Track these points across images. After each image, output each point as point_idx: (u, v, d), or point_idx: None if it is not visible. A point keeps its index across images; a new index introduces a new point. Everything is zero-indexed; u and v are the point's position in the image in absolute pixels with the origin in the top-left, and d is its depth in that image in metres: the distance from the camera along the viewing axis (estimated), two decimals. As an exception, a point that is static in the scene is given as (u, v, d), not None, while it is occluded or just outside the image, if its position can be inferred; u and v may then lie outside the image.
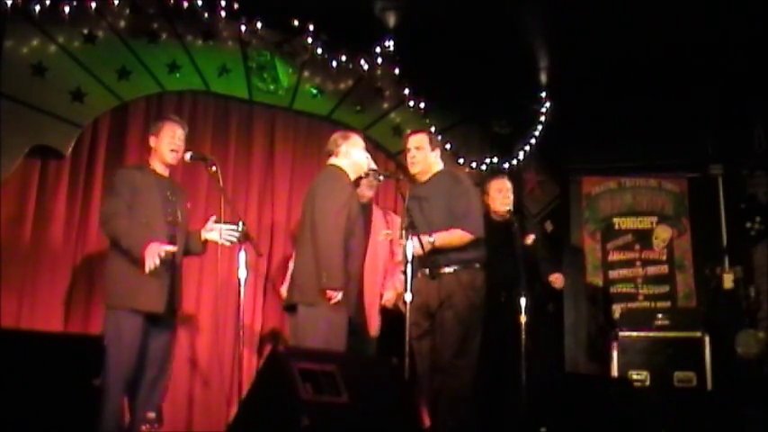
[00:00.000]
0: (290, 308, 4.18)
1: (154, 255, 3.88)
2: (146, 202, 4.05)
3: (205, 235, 4.25)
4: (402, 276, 4.04)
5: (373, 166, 4.48)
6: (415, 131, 4.61)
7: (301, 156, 5.55)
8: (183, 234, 4.21)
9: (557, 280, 5.27)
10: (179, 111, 5.06)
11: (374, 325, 4.73)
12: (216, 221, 4.19)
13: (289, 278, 4.56)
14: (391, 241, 4.86)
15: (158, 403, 4.10)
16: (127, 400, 4.03)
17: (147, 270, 3.86)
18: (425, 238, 4.03)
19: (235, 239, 4.12)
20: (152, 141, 4.21)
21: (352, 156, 4.27)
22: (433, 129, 5.36)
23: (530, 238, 5.11)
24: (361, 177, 4.53)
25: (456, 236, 4.18)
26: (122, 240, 3.95)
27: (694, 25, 5.29)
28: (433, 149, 4.45)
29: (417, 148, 4.43)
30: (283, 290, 4.75)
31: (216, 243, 4.21)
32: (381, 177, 4.59)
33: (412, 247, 3.94)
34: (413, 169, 4.46)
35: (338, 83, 5.62)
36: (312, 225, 4.05)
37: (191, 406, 4.90)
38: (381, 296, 4.84)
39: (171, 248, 3.97)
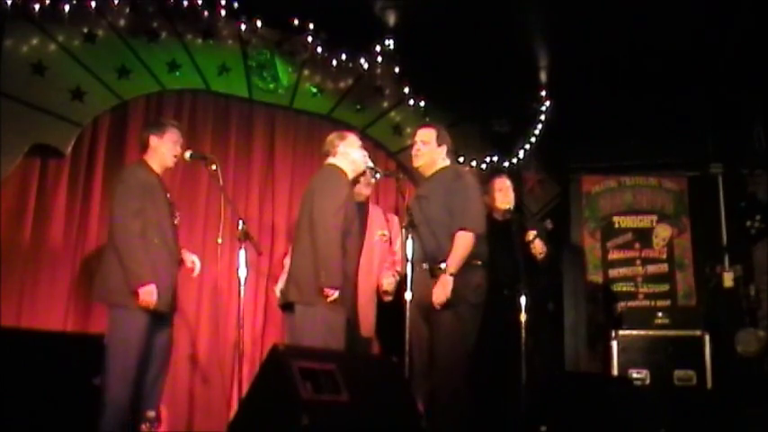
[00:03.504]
0: (287, 306, 4.19)
1: (151, 297, 3.91)
2: (155, 202, 4.09)
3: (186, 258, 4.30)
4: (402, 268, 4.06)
5: (370, 164, 4.49)
6: (424, 125, 4.60)
7: (302, 154, 5.55)
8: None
9: (535, 242, 4.90)
10: (179, 110, 5.07)
11: (368, 324, 4.72)
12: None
13: (284, 276, 4.56)
14: (390, 241, 4.86)
15: (158, 402, 4.10)
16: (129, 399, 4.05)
17: (141, 304, 3.90)
18: (443, 280, 4.08)
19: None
20: (153, 141, 4.19)
21: (349, 155, 4.30)
22: (439, 126, 5.35)
23: (531, 234, 5.09)
24: (358, 176, 4.54)
25: (461, 244, 4.15)
26: (126, 260, 3.94)
27: (694, 24, 5.29)
28: (439, 146, 4.44)
29: (423, 143, 4.43)
30: (277, 288, 4.74)
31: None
32: (378, 175, 4.60)
33: (440, 289, 4.05)
34: (416, 162, 4.46)
35: (338, 82, 5.62)
36: (311, 224, 4.06)
37: (191, 404, 4.90)
38: (379, 287, 4.81)
39: (154, 303, 3.95)
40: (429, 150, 4.42)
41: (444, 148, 4.47)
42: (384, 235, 4.78)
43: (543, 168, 6.67)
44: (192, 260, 4.28)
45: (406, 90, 5.76)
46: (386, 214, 5.02)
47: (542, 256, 4.98)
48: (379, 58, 5.60)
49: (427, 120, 5.61)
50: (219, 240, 4.21)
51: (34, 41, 4.52)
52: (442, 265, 4.13)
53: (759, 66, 5.64)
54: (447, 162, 4.48)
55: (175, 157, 4.22)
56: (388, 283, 4.74)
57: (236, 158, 5.32)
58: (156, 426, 3.93)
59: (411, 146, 4.55)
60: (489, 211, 4.89)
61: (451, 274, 4.09)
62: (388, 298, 4.75)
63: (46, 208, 4.58)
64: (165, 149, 4.18)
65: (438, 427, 4.01)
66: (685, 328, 5.56)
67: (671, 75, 5.90)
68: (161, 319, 4.06)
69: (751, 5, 5.00)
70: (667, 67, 5.83)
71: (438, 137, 4.45)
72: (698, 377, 5.38)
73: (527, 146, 6.42)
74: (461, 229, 4.17)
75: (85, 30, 4.67)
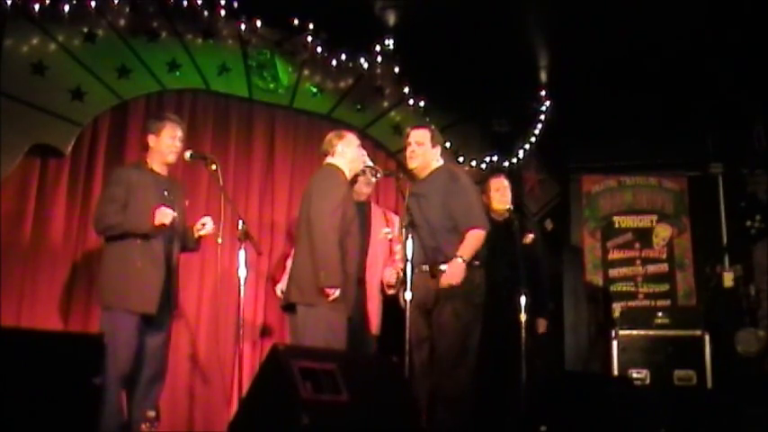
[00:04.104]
0: (289, 307, 4.20)
1: (167, 214, 3.94)
2: (142, 201, 4.04)
3: (198, 232, 4.25)
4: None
5: (369, 163, 4.49)
6: (417, 126, 4.61)
7: (301, 154, 5.55)
8: (181, 233, 4.22)
9: (541, 325, 5.12)
10: (179, 109, 5.06)
11: (375, 323, 4.73)
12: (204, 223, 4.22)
13: (286, 276, 4.57)
14: (391, 240, 4.87)
15: (156, 402, 4.10)
16: (125, 400, 4.04)
17: (168, 222, 3.95)
18: (455, 263, 4.08)
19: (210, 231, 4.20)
20: (151, 141, 4.19)
21: (347, 155, 4.30)
22: (432, 127, 5.36)
23: (528, 237, 5.10)
24: (357, 176, 4.54)
25: (473, 238, 4.17)
26: (120, 228, 3.96)
27: (694, 24, 5.30)
28: (433, 146, 4.45)
29: (418, 144, 4.43)
30: (278, 288, 4.75)
31: (209, 236, 4.26)
32: (379, 174, 4.60)
33: (451, 274, 4.05)
34: (411, 164, 4.46)
35: (338, 81, 5.62)
36: (308, 224, 4.07)
37: (191, 404, 4.90)
38: (382, 283, 4.82)
39: (174, 214, 3.99)
40: (424, 151, 4.42)
41: (438, 149, 4.49)
42: (388, 233, 4.78)
43: (543, 168, 6.67)
44: (203, 223, 4.21)
45: (406, 90, 5.76)
46: (386, 214, 5.03)
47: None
48: (379, 58, 5.60)
49: (427, 120, 5.62)
50: (219, 240, 4.20)
51: (34, 41, 4.52)
52: (443, 267, 4.13)
53: (759, 66, 5.64)
54: (441, 162, 4.49)
55: (175, 152, 4.19)
56: (390, 274, 4.75)
57: (236, 158, 5.32)
58: (156, 425, 3.92)
59: (405, 147, 4.55)
60: (487, 211, 4.90)
61: (464, 260, 4.10)
62: (392, 291, 4.76)
63: (46, 208, 4.58)
64: (163, 146, 4.17)
65: (439, 427, 4.01)
66: (685, 328, 5.56)
67: (671, 75, 5.90)
68: (153, 320, 4.03)
69: (751, 5, 5.00)
70: (667, 67, 5.83)
71: (432, 137, 4.46)
72: (698, 377, 5.38)
73: (527, 146, 6.42)
74: (472, 228, 4.19)
75: (85, 30, 4.67)
